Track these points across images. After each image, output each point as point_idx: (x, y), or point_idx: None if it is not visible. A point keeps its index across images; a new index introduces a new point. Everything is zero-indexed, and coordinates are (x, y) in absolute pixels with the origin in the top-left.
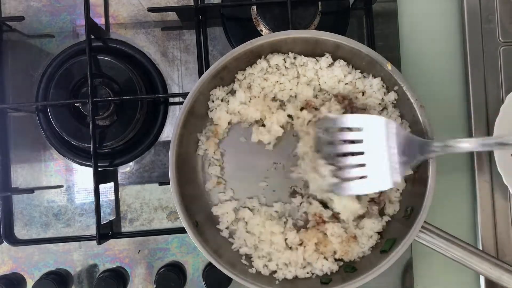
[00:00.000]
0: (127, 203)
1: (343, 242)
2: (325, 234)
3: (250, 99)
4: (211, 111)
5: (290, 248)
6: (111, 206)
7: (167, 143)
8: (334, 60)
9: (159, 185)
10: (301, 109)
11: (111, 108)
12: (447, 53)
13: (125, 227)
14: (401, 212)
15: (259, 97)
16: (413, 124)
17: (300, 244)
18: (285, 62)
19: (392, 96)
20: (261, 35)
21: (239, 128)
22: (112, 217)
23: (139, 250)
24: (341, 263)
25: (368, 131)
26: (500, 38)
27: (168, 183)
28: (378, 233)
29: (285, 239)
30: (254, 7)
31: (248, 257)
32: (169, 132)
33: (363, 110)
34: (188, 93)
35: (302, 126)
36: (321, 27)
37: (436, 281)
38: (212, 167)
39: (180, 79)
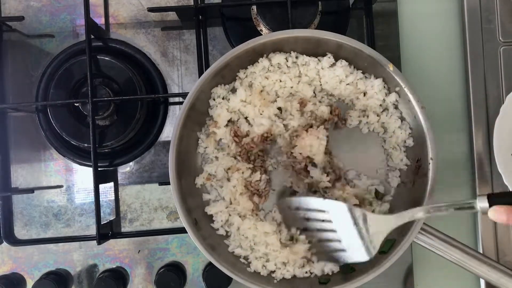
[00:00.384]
0: (127, 203)
1: None
2: None
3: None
4: (211, 109)
5: (287, 246)
6: (111, 206)
7: (167, 143)
8: (336, 60)
9: (159, 185)
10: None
11: (111, 108)
12: (447, 53)
13: (125, 227)
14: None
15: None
16: (414, 125)
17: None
18: (287, 61)
19: (393, 97)
20: (261, 35)
21: None
22: (112, 217)
23: (139, 250)
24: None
25: (333, 214)
26: (500, 38)
27: (168, 183)
28: None
29: (280, 239)
30: (254, 7)
31: (246, 258)
32: (169, 132)
33: (344, 123)
34: (188, 93)
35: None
36: (321, 27)
37: (436, 284)
38: (208, 165)
39: (180, 79)
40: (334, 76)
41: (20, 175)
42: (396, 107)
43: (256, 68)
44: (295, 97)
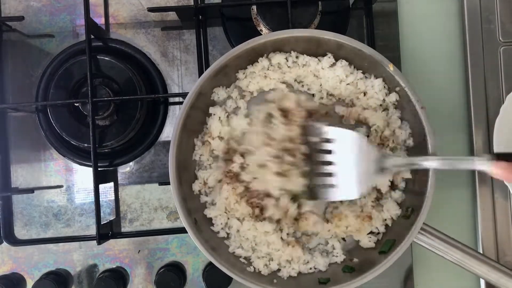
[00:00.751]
0: (127, 203)
1: (358, 218)
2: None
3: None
4: (208, 117)
5: (289, 244)
6: (111, 206)
7: (167, 143)
8: (336, 60)
9: (159, 185)
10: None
11: (111, 108)
12: (447, 53)
13: (125, 227)
14: (402, 211)
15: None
16: (414, 125)
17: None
18: (287, 61)
19: (393, 97)
20: (261, 35)
21: None
22: (112, 217)
23: (139, 250)
24: (344, 257)
25: (340, 144)
26: (500, 38)
27: (168, 183)
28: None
29: (281, 237)
30: (254, 7)
31: (248, 258)
32: (169, 132)
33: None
34: (188, 93)
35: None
36: (321, 27)
37: (436, 285)
38: (202, 171)
39: (180, 79)
40: (334, 76)
41: (20, 175)
42: (396, 107)
43: (255, 68)
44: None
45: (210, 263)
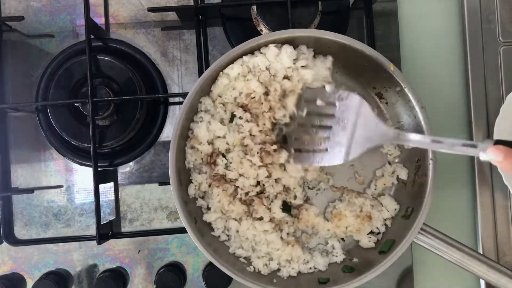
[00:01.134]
0: (127, 203)
1: (358, 218)
2: (340, 211)
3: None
4: (193, 122)
5: (288, 244)
6: (111, 206)
7: (167, 143)
8: (336, 61)
9: (159, 185)
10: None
11: (111, 108)
12: (447, 53)
13: (125, 227)
14: (401, 211)
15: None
16: (414, 126)
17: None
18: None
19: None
20: (261, 35)
21: None
22: (112, 217)
23: (139, 250)
24: (344, 257)
25: (341, 107)
26: (500, 38)
27: (168, 183)
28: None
29: (281, 237)
30: (254, 7)
31: (248, 258)
32: (169, 132)
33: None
34: (188, 93)
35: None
36: (321, 27)
37: (436, 285)
38: (196, 175)
39: (180, 79)
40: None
41: (20, 175)
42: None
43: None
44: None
45: (210, 263)
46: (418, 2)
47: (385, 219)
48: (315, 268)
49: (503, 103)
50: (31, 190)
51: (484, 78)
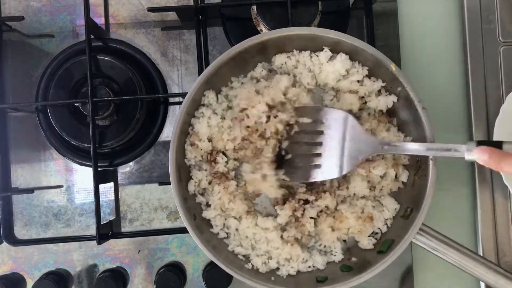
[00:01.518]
0: (127, 203)
1: (360, 219)
2: (342, 212)
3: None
4: (194, 118)
5: (288, 242)
6: (111, 206)
7: (167, 143)
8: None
9: (159, 185)
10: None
11: (111, 108)
12: (447, 53)
13: (125, 227)
14: (401, 211)
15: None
16: (414, 126)
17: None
18: (290, 59)
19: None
20: None
21: None
22: (112, 217)
23: (139, 250)
24: (343, 257)
25: (329, 124)
26: (500, 38)
27: (168, 183)
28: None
29: (281, 236)
30: (254, 7)
31: (247, 256)
32: (169, 132)
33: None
34: (188, 93)
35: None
36: (321, 27)
37: (436, 285)
38: (196, 172)
39: (180, 79)
40: (333, 70)
41: (20, 175)
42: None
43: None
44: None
45: (210, 263)
46: (418, 2)
47: (386, 219)
48: (313, 267)
49: (503, 103)
50: (31, 190)
51: (484, 78)
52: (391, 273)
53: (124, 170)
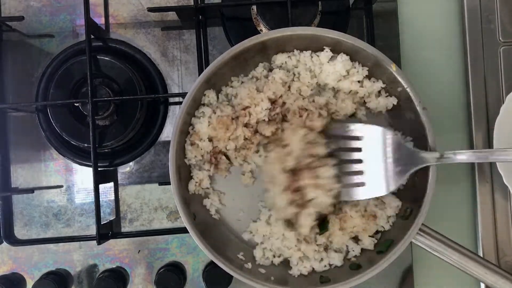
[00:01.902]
0: (127, 203)
1: (363, 217)
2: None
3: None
4: (195, 117)
5: (304, 240)
6: (111, 206)
7: (167, 143)
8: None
9: (159, 185)
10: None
11: (111, 108)
12: (447, 53)
13: (125, 227)
14: (401, 211)
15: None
16: (415, 126)
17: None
18: (291, 59)
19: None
20: None
21: None
22: (112, 217)
23: (139, 250)
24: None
25: (367, 140)
26: (500, 38)
27: (168, 183)
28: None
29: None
30: (254, 7)
31: (248, 250)
32: (169, 132)
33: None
34: (187, 93)
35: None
36: (321, 27)
37: (436, 285)
38: (196, 171)
39: (180, 79)
40: (334, 71)
41: (20, 175)
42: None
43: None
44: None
45: (210, 263)
46: (418, 2)
47: (389, 217)
48: (330, 265)
49: (503, 103)
50: (31, 190)
51: (484, 78)
52: (391, 273)
53: (124, 170)
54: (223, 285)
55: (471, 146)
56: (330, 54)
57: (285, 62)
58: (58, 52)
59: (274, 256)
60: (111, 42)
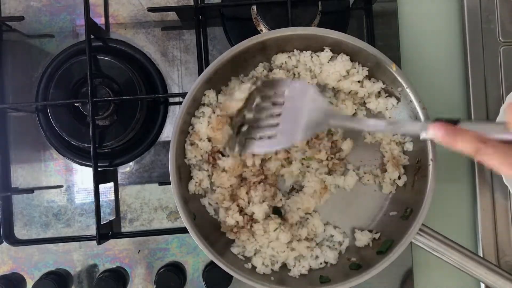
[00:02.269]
0: (127, 203)
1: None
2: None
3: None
4: (195, 117)
5: (299, 240)
6: (111, 206)
7: (167, 143)
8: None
9: (159, 185)
10: None
11: (111, 108)
12: (447, 53)
13: (125, 227)
14: (400, 211)
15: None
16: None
17: None
18: (291, 59)
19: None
20: None
21: None
22: (112, 217)
23: (139, 250)
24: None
25: (290, 95)
26: (500, 38)
27: (168, 183)
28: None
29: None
30: (254, 7)
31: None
32: (169, 132)
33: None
34: (187, 93)
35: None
36: (321, 27)
37: (436, 285)
38: (196, 171)
39: (180, 79)
40: (334, 71)
41: (20, 175)
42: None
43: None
44: None
45: (210, 263)
46: (418, 2)
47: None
48: (325, 263)
49: (503, 103)
50: (31, 190)
51: (484, 78)
52: (391, 273)
53: (124, 170)
54: (223, 285)
55: None
56: (330, 54)
57: (285, 62)
58: (58, 52)
59: (272, 264)
60: (111, 42)
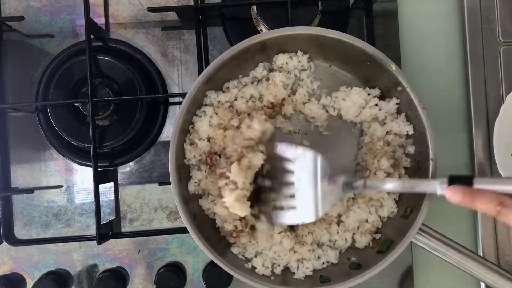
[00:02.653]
0: (127, 203)
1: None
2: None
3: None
4: (195, 116)
5: (300, 242)
6: (111, 206)
7: (167, 143)
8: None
9: (159, 185)
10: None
11: (111, 108)
12: (447, 53)
13: (125, 227)
14: (400, 211)
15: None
16: (415, 126)
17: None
18: (292, 59)
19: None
20: None
21: None
22: (112, 217)
23: (139, 250)
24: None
25: (299, 164)
26: (500, 38)
27: (168, 183)
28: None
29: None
30: (254, 7)
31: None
32: (169, 132)
33: None
34: (187, 93)
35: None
36: (321, 26)
37: (436, 285)
38: (196, 172)
39: (180, 79)
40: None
41: (20, 175)
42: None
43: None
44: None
45: (210, 263)
46: (418, 2)
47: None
48: (327, 262)
49: (503, 103)
50: (31, 190)
51: (484, 78)
52: (391, 273)
53: (124, 170)
54: (223, 285)
55: (471, 146)
56: (344, 89)
57: (286, 63)
58: (58, 52)
59: (274, 267)
60: (111, 42)
